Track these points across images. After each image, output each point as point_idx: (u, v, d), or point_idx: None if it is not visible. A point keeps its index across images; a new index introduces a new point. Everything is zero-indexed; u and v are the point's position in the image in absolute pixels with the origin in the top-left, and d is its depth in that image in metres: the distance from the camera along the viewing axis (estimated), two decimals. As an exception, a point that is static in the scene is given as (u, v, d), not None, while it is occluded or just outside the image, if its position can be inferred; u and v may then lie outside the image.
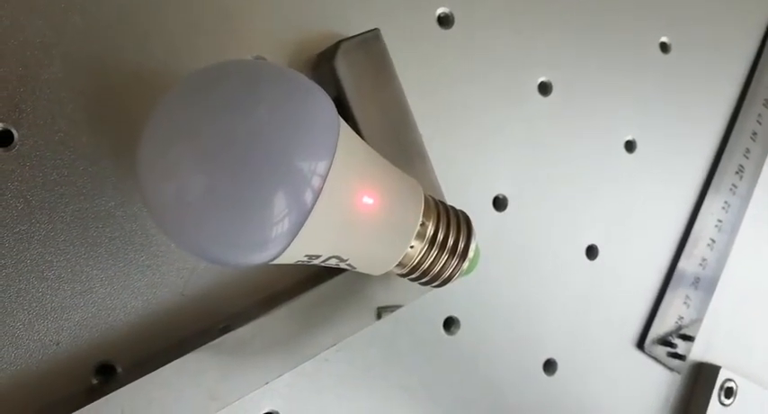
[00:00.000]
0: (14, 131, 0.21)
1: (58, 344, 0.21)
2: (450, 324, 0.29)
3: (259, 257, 0.19)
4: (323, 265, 0.21)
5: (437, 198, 0.23)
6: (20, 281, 0.21)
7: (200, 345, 0.22)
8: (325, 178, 0.18)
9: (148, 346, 0.22)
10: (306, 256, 0.20)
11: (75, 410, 0.20)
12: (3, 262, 0.21)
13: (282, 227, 0.18)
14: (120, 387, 0.21)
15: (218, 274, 0.24)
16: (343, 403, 0.26)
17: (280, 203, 0.17)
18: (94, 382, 0.22)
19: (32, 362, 0.21)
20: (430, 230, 0.22)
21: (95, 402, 0.20)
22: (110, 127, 0.22)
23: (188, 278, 0.23)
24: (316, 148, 0.18)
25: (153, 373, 0.21)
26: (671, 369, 0.35)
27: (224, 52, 0.24)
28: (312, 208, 0.18)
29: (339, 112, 0.19)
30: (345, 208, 0.19)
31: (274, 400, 0.24)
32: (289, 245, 0.18)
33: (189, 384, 0.22)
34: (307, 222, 0.18)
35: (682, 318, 0.35)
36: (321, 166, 0.18)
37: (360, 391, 0.26)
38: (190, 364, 0.22)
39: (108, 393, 0.20)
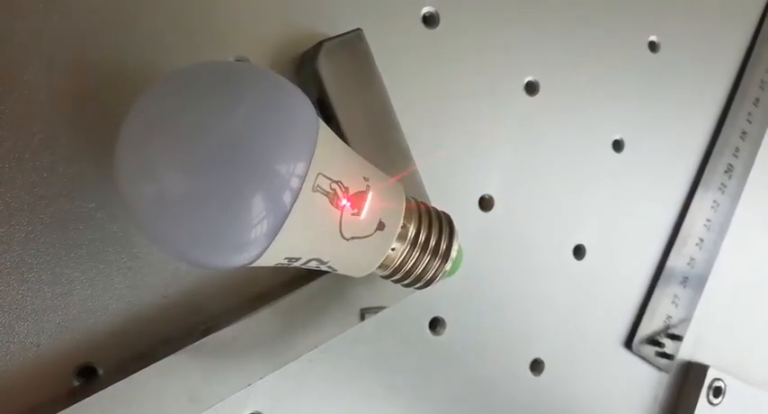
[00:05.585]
0: (-7, 133, 0.21)
1: (38, 346, 0.21)
2: (435, 324, 0.29)
3: (238, 260, 0.19)
4: (304, 267, 0.21)
5: (420, 199, 0.23)
6: (-1, 283, 0.21)
7: (182, 346, 0.22)
8: (303, 179, 0.18)
9: (130, 348, 0.22)
10: (285, 258, 0.19)
11: (55, 413, 0.20)
12: (-18, 264, 0.20)
13: (261, 229, 0.18)
14: (102, 389, 0.20)
15: (200, 275, 0.23)
16: (329, 404, 0.26)
17: (258, 205, 0.17)
18: (76, 384, 0.22)
19: (12, 364, 0.21)
20: (411, 232, 0.22)
21: (76, 405, 0.20)
22: (90, 128, 0.22)
23: (170, 280, 0.23)
24: (294, 149, 0.18)
25: (134, 374, 0.21)
26: (659, 368, 0.35)
27: (206, 52, 0.24)
28: (291, 209, 0.18)
29: (322, 114, 0.19)
30: (325, 209, 0.19)
31: (259, 401, 0.24)
32: (268, 247, 0.18)
33: (170, 386, 0.21)
34: (285, 224, 0.18)
35: (670, 317, 0.35)
36: (300, 167, 0.18)
37: (345, 392, 0.26)
38: (171, 365, 0.22)
39: (89, 395, 0.20)
